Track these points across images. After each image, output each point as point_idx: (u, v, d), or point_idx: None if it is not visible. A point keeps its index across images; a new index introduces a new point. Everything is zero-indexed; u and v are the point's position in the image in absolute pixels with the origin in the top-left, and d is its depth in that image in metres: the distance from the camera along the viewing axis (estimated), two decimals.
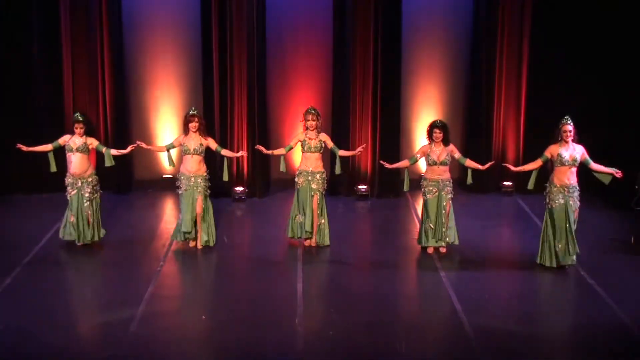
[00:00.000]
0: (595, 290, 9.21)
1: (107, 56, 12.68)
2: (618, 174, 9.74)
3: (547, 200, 9.79)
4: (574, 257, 9.75)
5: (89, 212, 10.30)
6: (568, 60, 12.81)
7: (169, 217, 11.98)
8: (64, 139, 10.31)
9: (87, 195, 10.28)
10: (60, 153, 10.42)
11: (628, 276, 9.66)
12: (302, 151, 10.47)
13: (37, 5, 12.57)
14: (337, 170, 10.66)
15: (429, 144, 10.21)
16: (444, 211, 10.17)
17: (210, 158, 11.67)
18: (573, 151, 9.64)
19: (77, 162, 10.24)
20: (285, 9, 13.16)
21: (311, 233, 10.50)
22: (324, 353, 7.80)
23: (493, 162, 10.66)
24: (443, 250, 10.33)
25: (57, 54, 12.71)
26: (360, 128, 12.96)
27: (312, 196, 10.42)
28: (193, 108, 10.47)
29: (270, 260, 10.19)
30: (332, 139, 10.64)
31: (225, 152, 10.55)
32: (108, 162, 10.37)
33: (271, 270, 9.89)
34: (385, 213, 12.41)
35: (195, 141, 10.20)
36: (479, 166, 10.17)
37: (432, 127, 10.15)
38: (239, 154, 10.86)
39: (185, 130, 10.26)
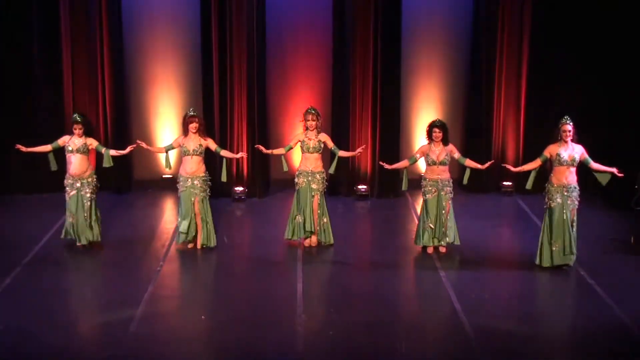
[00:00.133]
0: (595, 290, 9.21)
1: (107, 56, 12.68)
2: (619, 173, 9.74)
3: (546, 200, 9.80)
4: (572, 257, 9.74)
5: (88, 213, 10.29)
6: (568, 60, 12.82)
7: (168, 217, 11.98)
8: (64, 140, 10.29)
9: (87, 195, 10.27)
10: (60, 153, 10.41)
11: (628, 276, 9.66)
12: (302, 151, 10.47)
13: (37, 5, 12.58)
14: (332, 169, 10.67)
15: (429, 143, 10.21)
16: (443, 211, 10.17)
17: (211, 159, 11.67)
18: (572, 151, 9.65)
19: (76, 163, 10.23)
20: (285, 9, 13.16)
21: (311, 233, 10.50)
22: (324, 353, 7.80)
23: (493, 161, 10.67)
24: (443, 250, 10.33)
25: (57, 54, 12.71)
26: (360, 128, 12.96)
27: (312, 196, 10.42)
28: (192, 109, 10.47)
29: (270, 260, 10.19)
30: (332, 139, 10.64)
31: (224, 152, 10.54)
32: (107, 163, 10.34)
33: (271, 270, 9.89)
34: (385, 213, 12.41)
35: (194, 142, 10.18)
36: (479, 166, 10.17)
37: (432, 126, 10.15)
38: (238, 155, 10.83)
39: (185, 131, 10.24)
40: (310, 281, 9.56)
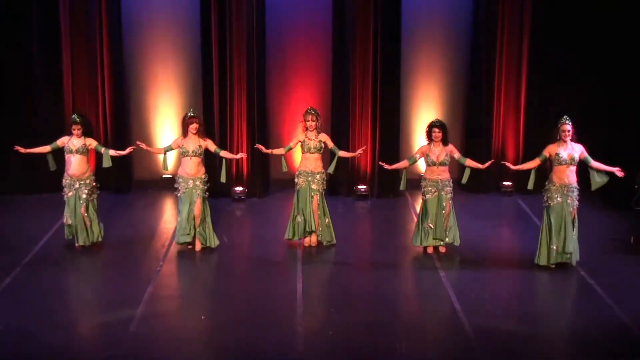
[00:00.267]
0: (595, 290, 9.21)
1: (107, 56, 12.68)
2: (620, 172, 9.75)
3: (545, 198, 9.81)
4: (567, 256, 9.74)
5: (86, 214, 10.27)
6: (568, 60, 12.82)
7: (168, 217, 11.98)
8: (63, 141, 10.27)
9: (84, 196, 10.25)
10: (59, 154, 10.39)
11: (628, 276, 9.66)
12: (302, 152, 10.46)
13: (37, 5, 12.57)
14: (331, 169, 10.66)
15: (428, 144, 10.21)
16: (443, 211, 10.17)
17: (210, 160, 11.66)
18: (572, 150, 9.65)
19: (76, 164, 10.21)
20: (285, 9, 13.15)
21: (311, 233, 10.49)
22: (324, 353, 7.80)
23: (493, 160, 10.67)
24: (443, 250, 10.33)
25: (57, 54, 12.71)
26: (360, 128, 12.96)
27: (312, 197, 10.42)
28: (192, 109, 10.46)
29: (270, 260, 10.19)
30: (332, 139, 10.63)
31: (224, 153, 10.51)
32: (106, 163, 10.31)
33: (271, 270, 9.89)
34: (385, 213, 12.41)
35: (194, 143, 10.16)
36: (479, 165, 10.18)
37: (431, 126, 10.16)
38: (238, 156, 10.80)
39: (184, 132, 10.21)
40: (310, 281, 9.56)
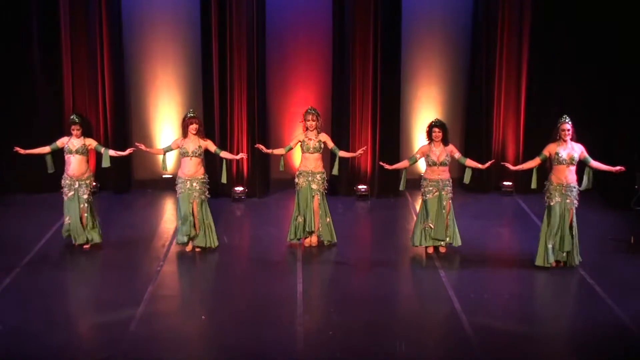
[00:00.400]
0: (595, 290, 9.21)
1: (107, 57, 12.68)
2: (619, 170, 9.77)
3: (545, 198, 9.82)
4: (565, 254, 9.75)
5: (85, 215, 10.26)
6: (568, 60, 12.82)
7: (168, 217, 11.98)
8: (62, 141, 10.25)
9: (84, 197, 10.24)
10: (59, 155, 10.38)
11: (628, 276, 9.66)
12: (302, 152, 10.46)
13: (37, 6, 12.56)
14: (335, 171, 10.64)
15: (429, 144, 10.21)
16: (443, 211, 10.17)
17: (211, 160, 11.67)
18: (571, 150, 9.66)
19: (75, 164, 10.20)
20: (285, 9, 13.15)
21: (311, 233, 10.49)
22: (324, 353, 7.80)
23: (493, 160, 10.67)
24: (443, 250, 10.33)
25: (57, 54, 12.71)
26: (360, 128, 12.96)
27: (313, 197, 10.42)
28: (192, 110, 10.44)
29: (270, 260, 10.19)
30: (332, 139, 10.63)
31: (224, 154, 10.49)
32: (105, 163, 10.28)
33: (271, 270, 9.89)
34: (385, 213, 12.41)
35: (194, 143, 10.15)
36: (480, 165, 10.18)
37: (431, 126, 10.15)
38: (238, 157, 10.78)
39: (184, 133, 10.19)
40: (310, 281, 9.56)
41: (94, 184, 10.48)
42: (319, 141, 10.38)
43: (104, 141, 12.73)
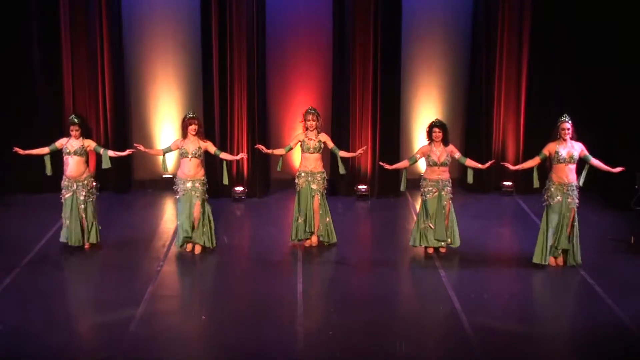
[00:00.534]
0: (595, 290, 9.21)
1: (107, 57, 12.68)
2: (619, 171, 9.78)
3: (545, 197, 9.83)
4: (560, 251, 9.78)
5: (83, 215, 10.25)
6: (568, 60, 12.82)
7: (168, 217, 11.98)
8: (61, 142, 10.22)
9: (82, 198, 10.22)
10: (57, 156, 10.36)
11: (628, 276, 9.66)
12: (302, 152, 10.45)
13: (37, 6, 12.56)
14: (341, 170, 10.59)
15: (429, 144, 10.21)
16: (443, 211, 10.17)
17: (210, 161, 11.67)
18: (571, 149, 9.67)
19: (74, 165, 10.17)
20: (285, 9, 13.15)
21: (311, 233, 10.49)
22: (324, 353, 7.80)
23: (493, 161, 10.67)
24: (443, 250, 10.33)
25: (57, 54, 12.70)
26: (360, 128, 12.96)
27: (313, 197, 10.41)
28: (192, 111, 10.43)
29: (270, 260, 10.19)
30: (332, 139, 10.63)
31: (224, 155, 10.46)
32: (105, 164, 10.24)
33: (271, 270, 9.89)
34: (385, 213, 12.41)
35: (194, 144, 10.12)
36: (479, 165, 10.19)
37: (432, 126, 10.15)
38: (238, 157, 10.78)
39: (184, 134, 10.17)
40: (310, 281, 9.56)
41: (94, 184, 10.44)
42: (319, 141, 10.38)
43: (104, 141, 12.73)
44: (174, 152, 10.45)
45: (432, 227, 10.18)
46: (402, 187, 10.41)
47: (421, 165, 11.85)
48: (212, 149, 10.25)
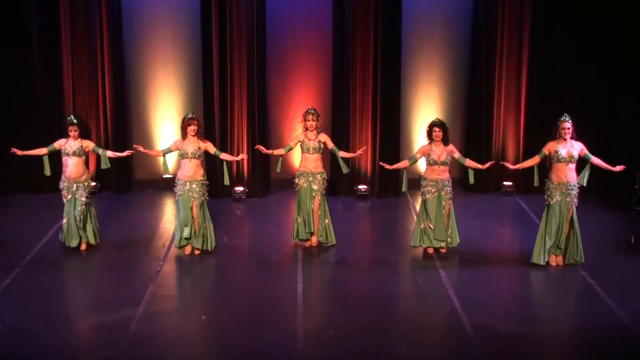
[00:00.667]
0: (595, 290, 9.21)
1: (107, 57, 12.68)
2: (620, 169, 9.79)
3: (545, 196, 9.84)
4: (558, 250, 9.78)
5: (82, 216, 10.22)
6: (568, 60, 12.82)
7: (168, 217, 11.97)
8: (60, 143, 10.20)
9: (82, 199, 10.21)
10: (56, 157, 10.35)
11: (628, 276, 9.66)
12: (302, 152, 10.45)
13: (37, 6, 12.56)
14: (344, 169, 10.53)
15: (429, 143, 10.21)
16: (443, 211, 10.17)
17: (211, 161, 11.67)
18: (571, 148, 9.68)
19: (72, 166, 10.15)
20: (285, 9, 13.15)
21: (312, 234, 10.49)
22: (324, 353, 7.80)
23: (493, 161, 10.67)
24: (443, 250, 10.33)
25: (57, 54, 12.71)
26: (361, 128, 12.96)
27: (313, 197, 10.41)
28: (191, 111, 10.41)
29: (270, 261, 10.18)
30: (332, 139, 10.63)
31: (224, 155, 10.44)
32: (104, 165, 10.23)
33: (271, 270, 9.89)
34: (385, 213, 12.41)
35: (193, 145, 10.11)
36: (479, 165, 10.19)
37: (432, 126, 10.15)
38: (238, 158, 10.79)
39: (183, 134, 10.15)
40: (310, 281, 9.56)
41: (94, 184, 10.43)
42: (319, 141, 10.37)
43: (104, 141, 12.73)
44: (174, 153, 10.43)
45: (432, 227, 10.18)
46: (404, 188, 10.41)
47: (421, 165, 11.85)
48: (212, 149, 10.23)
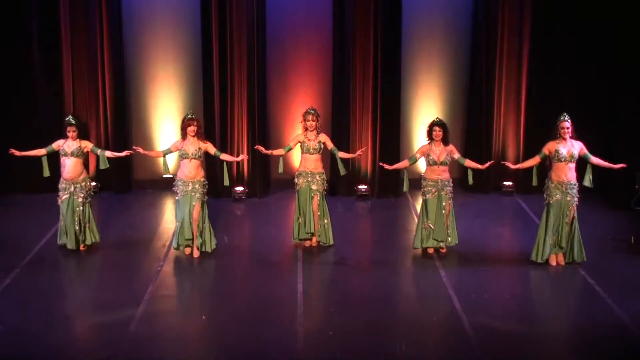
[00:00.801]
0: (595, 290, 9.21)
1: (107, 57, 12.67)
2: (621, 167, 9.79)
3: (545, 196, 9.85)
4: (557, 248, 9.79)
5: (80, 217, 10.22)
6: (568, 60, 12.82)
7: (168, 217, 11.97)
8: (58, 144, 10.18)
9: (80, 200, 10.19)
10: (55, 157, 10.33)
11: (628, 276, 9.66)
12: (302, 152, 10.44)
13: (37, 6, 12.56)
14: (342, 171, 10.53)
15: (429, 143, 10.21)
16: (443, 211, 10.17)
17: (211, 161, 11.66)
18: (571, 147, 9.69)
19: (71, 167, 10.13)
20: (285, 9, 13.15)
21: (311, 234, 10.49)
22: (324, 353, 7.80)
23: (493, 161, 10.67)
24: (443, 250, 10.33)
25: (57, 54, 12.70)
26: (361, 128, 12.95)
27: (312, 197, 10.40)
28: (191, 112, 10.40)
29: (270, 261, 10.18)
30: (332, 140, 10.62)
31: (224, 156, 10.42)
32: (102, 165, 10.20)
33: (271, 270, 9.89)
34: (385, 213, 12.41)
35: (193, 145, 10.09)
36: (479, 166, 10.19)
37: (432, 125, 10.15)
38: (239, 158, 10.78)
39: (183, 135, 10.14)
40: (310, 281, 9.56)
41: (93, 184, 10.42)
42: (319, 142, 10.36)
43: (104, 141, 12.73)
44: (174, 153, 10.41)
45: (432, 227, 10.18)
46: (405, 188, 10.40)
47: (421, 165, 11.84)
48: (212, 150, 10.22)
